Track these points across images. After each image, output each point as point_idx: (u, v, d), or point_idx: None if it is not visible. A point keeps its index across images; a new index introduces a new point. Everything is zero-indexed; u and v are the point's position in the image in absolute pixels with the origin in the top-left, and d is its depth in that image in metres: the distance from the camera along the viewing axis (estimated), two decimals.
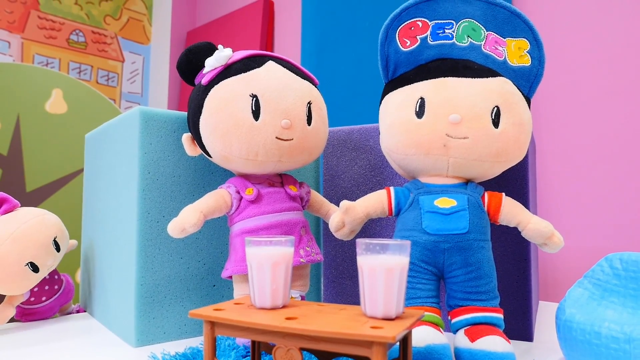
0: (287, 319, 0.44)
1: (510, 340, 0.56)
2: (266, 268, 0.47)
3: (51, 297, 0.82)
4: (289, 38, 1.83)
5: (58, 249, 0.78)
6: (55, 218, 0.79)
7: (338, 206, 0.69)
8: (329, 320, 0.43)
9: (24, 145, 1.71)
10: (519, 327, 0.71)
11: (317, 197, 0.74)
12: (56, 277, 0.84)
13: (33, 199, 1.73)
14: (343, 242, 0.85)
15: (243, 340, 0.61)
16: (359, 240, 0.44)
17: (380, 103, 0.67)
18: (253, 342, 0.52)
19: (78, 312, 0.91)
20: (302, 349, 0.43)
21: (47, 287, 0.82)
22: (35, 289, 0.80)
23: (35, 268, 0.74)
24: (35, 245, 0.74)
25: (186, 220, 0.60)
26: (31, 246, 0.73)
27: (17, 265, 0.72)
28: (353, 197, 0.80)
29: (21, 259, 0.72)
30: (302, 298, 0.68)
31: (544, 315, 0.88)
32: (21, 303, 0.79)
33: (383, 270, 0.43)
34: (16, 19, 1.92)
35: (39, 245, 0.74)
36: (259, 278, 0.48)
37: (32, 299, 0.80)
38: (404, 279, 0.44)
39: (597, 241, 1.05)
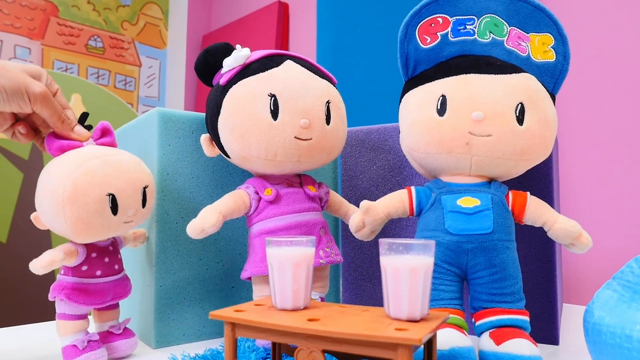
0: (309, 320, 0.43)
1: (537, 344, 0.54)
2: (287, 269, 0.46)
3: (108, 276, 0.60)
4: (304, 40, 1.83)
5: (144, 203, 0.60)
6: (148, 169, 0.62)
7: (357, 207, 0.69)
8: (352, 321, 0.42)
9: None
10: (544, 330, 0.69)
11: (336, 198, 0.73)
12: (119, 256, 0.63)
13: None
14: (362, 243, 0.84)
15: (263, 342, 0.60)
16: (381, 240, 0.43)
17: (400, 101, 0.66)
18: (273, 344, 0.52)
19: (123, 331, 0.64)
20: (324, 351, 0.42)
21: (107, 260, 0.60)
22: (94, 255, 0.59)
23: (114, 206, 0.55)
24: (125, 179, 0.57)
25: (205, 221, 0.60)
26: (120, 178, 0.56)
27: (99, 189, 0.54)
28: (372, 198, 0.79)
29: (104, 185, 0.55)
30: (322, 299, 0.67)
31: (568, 318, 0.85)
32: (70, 272, 0.59)
33: (407, 270, 0.42)
34: (36, 25, 1.96)
35: (129, 181, 0.57)
36: (280, 279, 0.47)
37: (85, 267, 0.58)
38: (428, 280, 0.43)
39: (621, 242, 1.02)
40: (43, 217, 0.56)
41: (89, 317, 0.61)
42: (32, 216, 0.58)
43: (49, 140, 0.57)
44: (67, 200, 0.52)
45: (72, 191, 0.53)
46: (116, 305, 0.64)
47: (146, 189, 0.60)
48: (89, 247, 0.59)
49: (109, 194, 0.55)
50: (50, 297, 0.58)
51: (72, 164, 0.54)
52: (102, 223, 0.55)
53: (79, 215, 0.53)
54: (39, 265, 0.53)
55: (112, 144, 0.61)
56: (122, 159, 0.58)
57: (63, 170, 0.54)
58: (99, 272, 0.59)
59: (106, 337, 0.62)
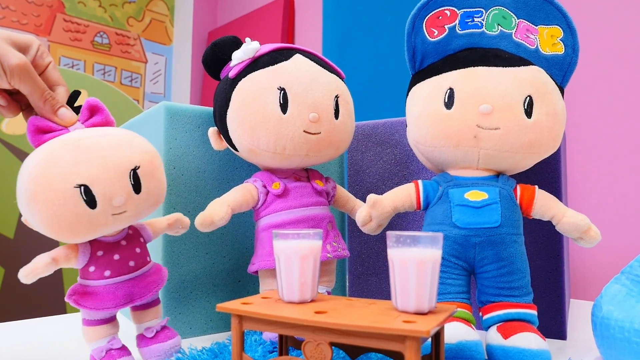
0: (317, 312, 0.43)
1: (545, 338, 0.54)
2: (294, 261, 0.46)
3: (120, 275, 0.51)
4: (310, 36, 1.83)
5: (137, 188, 0.50)
6: (148, 145, 0.53)
7: (364, 201, 0.68)
8: (359, 314, 0.42)
9: None
10: (552, 325, 0.69)
11: (343, 193, 0.73)
12: (137, 250, 0.54)
13: None
14: (368, 237, 0.83)
15: (270, 336, 0.60)
16: (389, 233, 0.43)
17: (407, 95, 0.65)
18: (280, 337, 0.52)
19: (164, 330, 0.56)
20: (332, 344, 0.42)
21: (117, 257, 0.52)
22: (99, 253, 0.51)
23: (90, 198, 0.46)
24: (101, 163, 0.47)
25: (215, 214, 0.60)
26: (94, 163, 0.46)
27: (62, 182, 0.45)
28: (378, 192, 0.79)
29: (71, 176, 0.45)
30: (329, 294, 0.67)
31: (575, 313, 0.85)
32: (80, 274, 0.52)
33: (415, 263, 0.42)
34: (43, 22, 1.96)
35: (108, 166, 0.47)
36: (287, 271, 0.47)
37: (92, 268, 0.50)
38: (436, 273, 0.43)
39: (628, 237, 1.01)
40: (27, 218, 0.48)
41: (117, 320, 0.54)
42: (23, 218, 0.51)
43: (31, 127, 0.48)
44: (31, 200, 0.45)
45: (32, 189, 0.45)
46: (154, 303, 0.56)
47: (137, 170, 0.49)
48: (93, 245, 0.51)
49: (79, 185, 0.46)
50: (68, 301, 0.51)
51: (37, 158, 0.46)
52: (79, 220, 0.46)
53: (46, 215, 0.45)
54: (23, 274, 0.46)
55: (106, 123, 0.52)
56: (99, 141, 0.48)
57: (27, 166, 0.46)
58: (107, 273, 0.51)
59: (141, 340, 0.55)
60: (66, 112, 0.50)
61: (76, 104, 0.52)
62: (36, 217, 0.46)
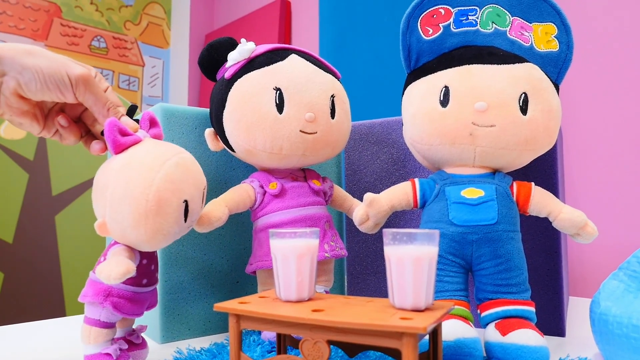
0: (314, 311, 0.43)
1: (543, 335, 0.54)
2: (291, 260, 0.46)
3: (150, 286, 0.54)
4: (306, 37, 1.83)
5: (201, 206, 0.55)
6: None
7: (361, 201, 0.69)
8: (356, 312, 0.42)
9: (49, 150, 1.75)
10: (550, 322, 0.69)
11: (340, 192, 0.73)
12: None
13: (59, 202, 1.76)
14: (367, 237, 0.84)
15: (268, 335, 0.60)
16: (385, 230, 0.43)
17: (403, 94, 0.65)
18: (278, 337, 0.52)
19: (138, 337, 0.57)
20: (329, 342, 0.42)
21: (152, 267, 0.54)
22: (144, 262, 0.53)
23: (186, 212, 0.50)
24: (194, 182, 0.51)
25: (212, 214, 0.60)
26: (190, 181, 0.51)
27: (177, 197, 0.49)
28: (375, 191, 0.79)
29: (181, 192, 0.49)
30: (327, 293, 0.67)
31: (574, 310, 0.85)
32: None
33: (411, 260, 0.42)
34: (40, 27, 1.96)
35: (196, 184, 0.52)
36: (284, 270, 0.47)
37: (134, 274, 0.50)
38: (433, 270, 0.43)
39: (625, 234, 1.01)
40: (115, 225, 0.48)
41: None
42: (97, 225, 0.49)
43: (113, 127, 0.48)
44: (152, 212, 0.47)
45: (157, 201, 0.47)
46: None
47: (204, 190, 0.55)
48: (142, 253, 0.52)
49: (185, 201, 0.50)
50: (86, 299, 0.50)
51: (149, 167, 0.48)
52: (177, 231, 0.50)
53: (160, 226, 0.48)
54: (113, 277, 0.44)
55: (160, 136, 0.55)
56: (186, 159, 0.52)
57: (143, 175, 0.47)
58: (145, 281, 0.53)
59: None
60: (129, 120, 0.52)
61: (133, 118, 0.54)
62: (147, 227, 0.47)
